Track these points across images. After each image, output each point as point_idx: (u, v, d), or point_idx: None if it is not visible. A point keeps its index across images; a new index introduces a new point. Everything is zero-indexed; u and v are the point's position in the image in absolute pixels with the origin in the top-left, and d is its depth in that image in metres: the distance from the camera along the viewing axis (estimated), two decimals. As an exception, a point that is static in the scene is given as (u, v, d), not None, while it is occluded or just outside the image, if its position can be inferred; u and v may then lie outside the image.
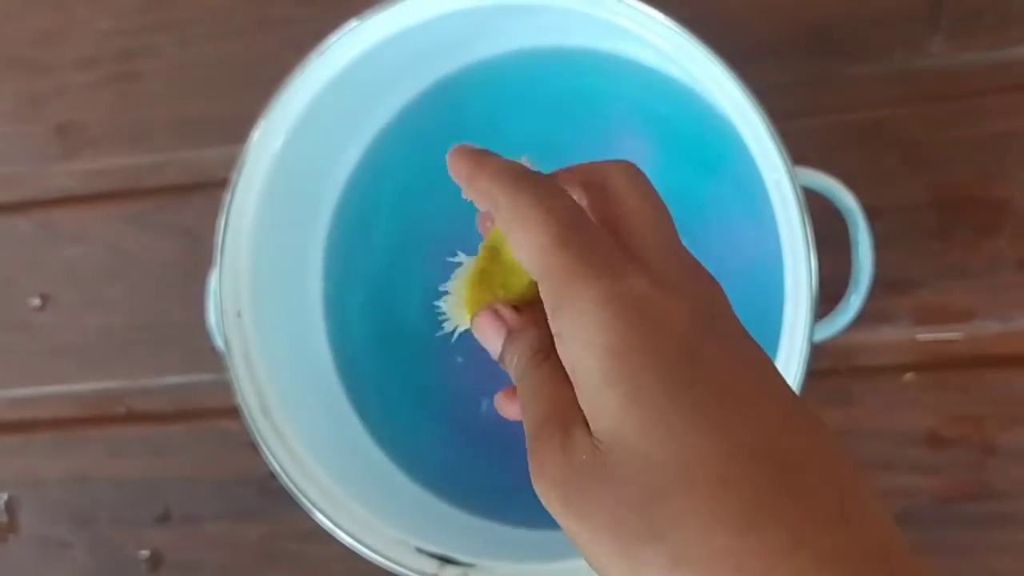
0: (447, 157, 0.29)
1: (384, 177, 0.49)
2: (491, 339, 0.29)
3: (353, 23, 0.43)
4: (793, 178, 0.38)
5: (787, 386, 0.26)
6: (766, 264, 0.41)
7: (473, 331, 0.30)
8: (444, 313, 0.30)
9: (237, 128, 0.44)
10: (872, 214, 0.42)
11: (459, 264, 0.30)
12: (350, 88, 0.45)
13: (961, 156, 0.48)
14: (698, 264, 0.28)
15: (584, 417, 0.25)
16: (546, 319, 0.26)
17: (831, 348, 0.48)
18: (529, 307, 0.29)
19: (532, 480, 0.25)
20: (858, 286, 0.42)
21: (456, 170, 0.29)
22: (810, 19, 0.50)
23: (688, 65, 0.39)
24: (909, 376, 0.48)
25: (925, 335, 0.48)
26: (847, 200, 0.42)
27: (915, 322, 0.48)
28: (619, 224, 0.27)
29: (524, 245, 0.26)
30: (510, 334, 0.29)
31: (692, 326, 0.25)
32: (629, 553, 0.23)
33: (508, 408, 0.30)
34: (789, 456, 0.24)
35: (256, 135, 0.43)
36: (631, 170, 0.29)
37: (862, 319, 0.43)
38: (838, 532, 0.23)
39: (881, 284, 0.44)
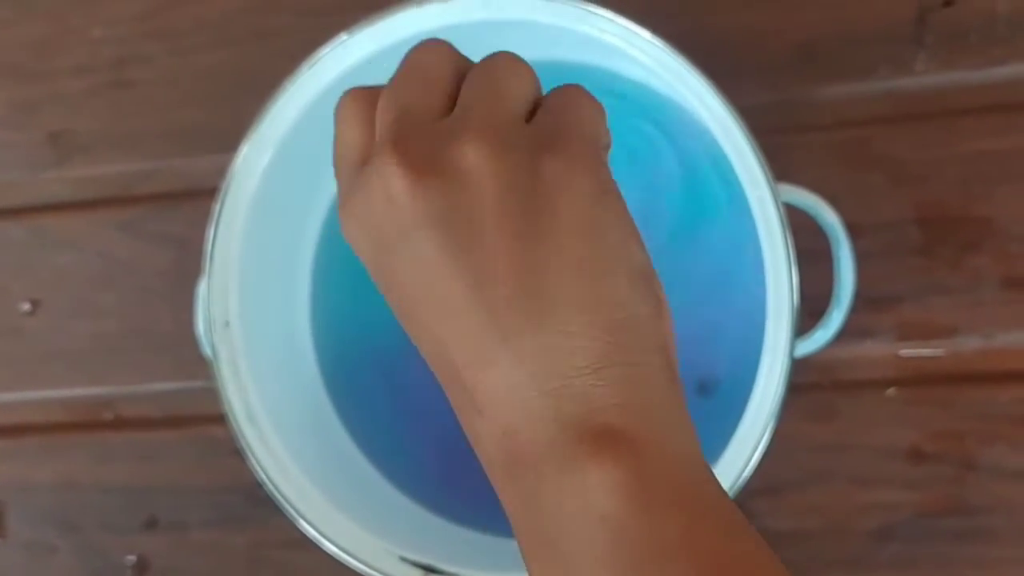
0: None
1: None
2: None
3: (343, 36, 0.43)
4: (776, 195, 0.38)
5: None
6: (748, 280, 0.42)
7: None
8: None
9: (229, 137, 0.45)
10: (855, 231, 0.43)
11: None
12: (340, 100, 0.45)
13: (944, 174, 0.49)
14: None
15: None
16: None
17: (815, 363, 0.48)
18: None
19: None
20: (840, 302, 0.43)
21: None
22: (795, 37, 0.50)
23: (673, 81, 0.40)
24: (891, 391, 0.48)
25: (908, 351, 0.49)
26: (829, 217, 0.43)
27: (898, 338, 0.49)
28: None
29: None
30: None
31: None
32: None
33: None
34: None
35: (245, 147, 0.44)
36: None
37: (845, 335, 0.43)
38: None
39: (864, 300, 0.45)
